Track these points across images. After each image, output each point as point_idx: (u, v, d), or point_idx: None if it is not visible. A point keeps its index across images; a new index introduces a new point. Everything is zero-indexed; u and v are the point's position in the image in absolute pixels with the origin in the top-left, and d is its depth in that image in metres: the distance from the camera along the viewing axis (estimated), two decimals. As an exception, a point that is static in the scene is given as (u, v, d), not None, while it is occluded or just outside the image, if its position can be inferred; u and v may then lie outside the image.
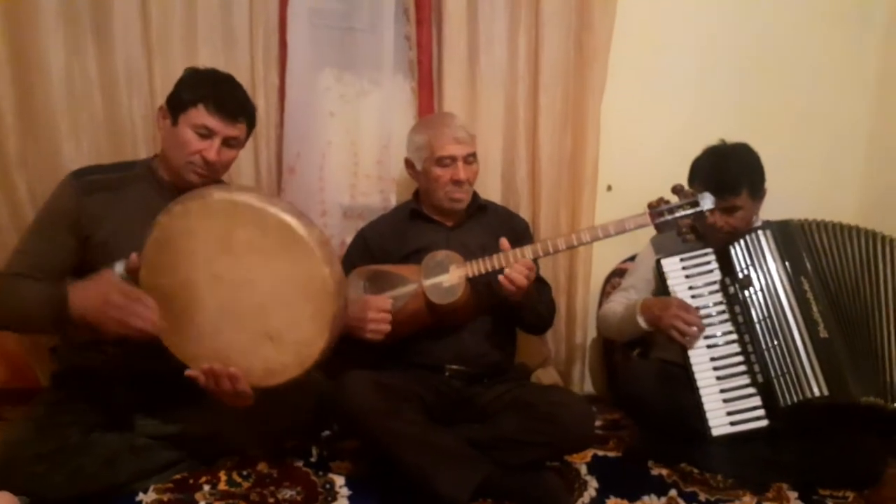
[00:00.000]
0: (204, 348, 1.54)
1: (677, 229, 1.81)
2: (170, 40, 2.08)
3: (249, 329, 1.52)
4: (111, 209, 1.69)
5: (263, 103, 2.16)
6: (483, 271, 1.85)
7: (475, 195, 2.13)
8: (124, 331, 1.48)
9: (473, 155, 2.06)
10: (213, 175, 1.74)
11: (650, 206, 1.82)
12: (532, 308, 1.98)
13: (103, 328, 1.49)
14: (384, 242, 2.06)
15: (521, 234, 2.14)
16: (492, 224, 2.11)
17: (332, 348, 1.56)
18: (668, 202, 1.81)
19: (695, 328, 1.87)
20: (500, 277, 1.80)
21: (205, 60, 2.10)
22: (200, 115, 1.67)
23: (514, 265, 1.80)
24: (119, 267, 1.51)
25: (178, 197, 1.52)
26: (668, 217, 1.79)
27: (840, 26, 2.64)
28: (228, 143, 1.73)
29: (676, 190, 1.83)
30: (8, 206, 2.03)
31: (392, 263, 1.98)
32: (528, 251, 1.83)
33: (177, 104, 1.70)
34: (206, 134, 1.68)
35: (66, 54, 2.05)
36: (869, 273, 1.88)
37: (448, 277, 1.86)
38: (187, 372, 1.54)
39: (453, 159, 2.00)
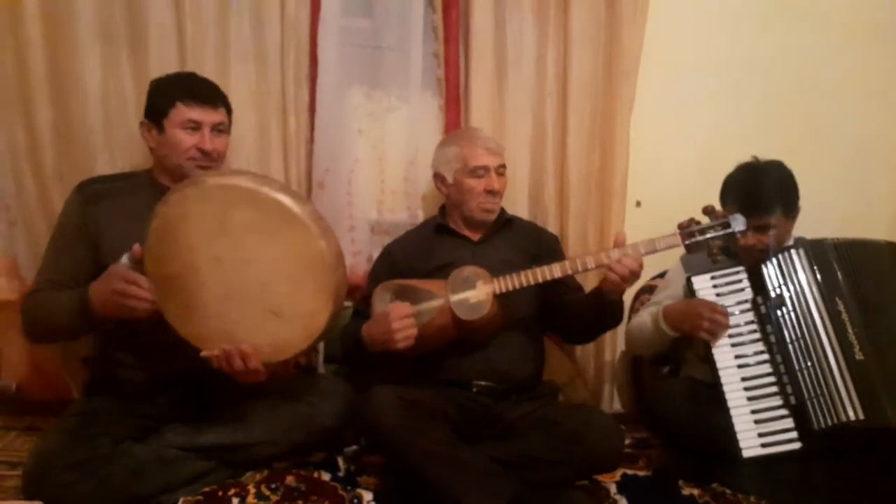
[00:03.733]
0: (211, 329, 1.59)
1: (708, 250, 1.78)
2: (203, 58, 2.12)
3: (254, 307, 1.57)
4: (116, 216, 1.74)
5: (294, 120, 2.20)
6: (510, 288, 1.84)
7: (501, 209, 2.13)
8: (126, 314, 1.55)
9: (504, 166, 2.09)
10: (215, 164, 1.80)
11: (680, 226, 1.79)
12: (619, 308, 1.97)
13: (113, 317, 1.57)
14: (410, 258, 2.07)
15: (550, 248, 2.15)
16: (518, 239, 2.12)
17: (336, 317, 1.62)
18: (698, 222, 1.79)
19: (719, 326, 1.85)
20: (609, 273, 1.77)
21: (236, 78, 2.16)
22: (182, 112, 1.75)
23: (622, 260, 1.76)
24: (124, 259, 1.57)
25: (175, 185, 1.57)
26: (699, 238, 1.77)
27: (866, 42, 2.61)
28: (217, 129, 1.80)
29: (707, 211, 1.80)
30: (45, 221, 2.07)
31: (418, 278, 1.98)
32: (556, 269, 1.83)
33: (156, 112, 1.77)
34: (195, 127, 1.76)
35: (103, 71, 2.10)
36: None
37: (475, 293, 1.86)
38: (202, 353, 1.59)
39: (486, 170, 2.03)
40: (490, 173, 2.03)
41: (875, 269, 1.88)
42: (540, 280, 1.83)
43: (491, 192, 2.03)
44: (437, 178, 2.14)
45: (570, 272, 1.83)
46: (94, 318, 1.59)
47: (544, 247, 2.13)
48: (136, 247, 1.56)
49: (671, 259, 2.16)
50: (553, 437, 1.76)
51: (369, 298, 1.99)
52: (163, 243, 1.55)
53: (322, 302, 1.57)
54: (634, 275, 1.78)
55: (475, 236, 2.10)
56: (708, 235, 1.77)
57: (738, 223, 1.75)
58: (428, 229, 2.15)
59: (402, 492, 1.76)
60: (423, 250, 2.08)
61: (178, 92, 1.76)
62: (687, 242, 1.78)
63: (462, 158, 2.05)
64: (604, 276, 1.81)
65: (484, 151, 2.04)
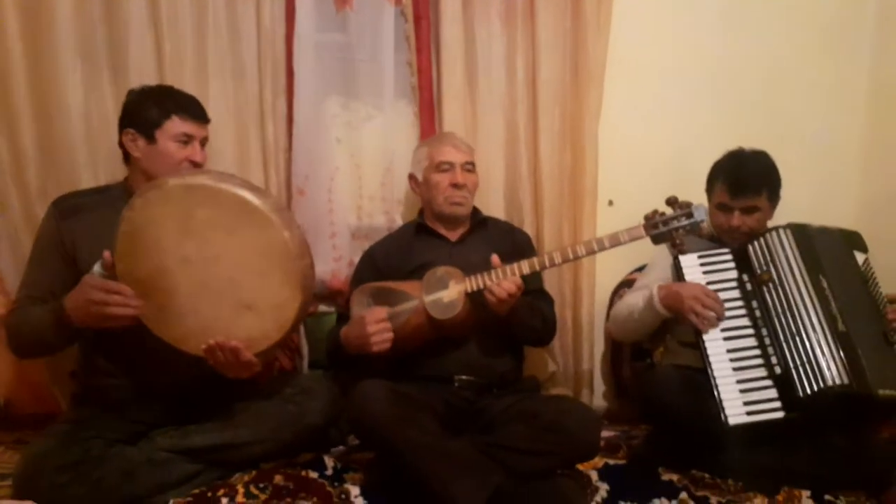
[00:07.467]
0: (187, 329, 1.64)
1: (671, 240, 1.84)
2: (182, 74, 2.17)
3: (226, 303, 1.63)
4: (92, 229, 1.76)
5: (272, 129, 2.26)
6: (480, 286, 1.88)
7: (476, 210, 2.20)
8: (110, 323, 1.59)
9: (472, 164, 2.16)
10: None
11: (646, 217, 1.85)
12: (522, 322, 2.00)
13: (94, 326, 1.60)
14: (391, 259, 2.13)
15: (523, 247, 2.19)
16: (493, 238, 2.17)
17: (307, 307, 1.69)
18: (662, 213, 1.84)
19: (713, 312, 1.89)
20: (486, 293, 1.85)
21: (215, 91, 2.21)
22: (177, 125, 1.80)
23: (499, 282, 1.83)
24: (97, 267, 1.61)
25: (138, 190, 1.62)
26: (663, 228, 1.83)
27: (832, 41, 2.71)
28: (203, 143, 1.86)
29: (671, 202, 1.86)
30: (30, 237, 2.06)
31: (399, 278, 2.03)
32: (525, 266, 1.87)
33: (147, 123, 1.80)
34: (187, 140, 1.81)
35: (84, 90, 2.14)
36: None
37: (448, 293, 1.90)
38: (202, 348, 1.62)
39: (451, 165, 2.11)
40: (455, 168, 2.11)
41: (837, 254, 1.96)
42: (509, 276, 1.86)
43: (456, 186, 2.10)
44: (412, 179, 2.22)
45: (537, 268, 1.87)
46: (72, 330, 1.63)
47: (518, 245, 2.19)
48: (107, 254, 1.59)
49: (649, 253, 2.20)
50: (532, 428, 1.78)
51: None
52: (132, 248, 1.60)
53: (290, 292, 1.63)
54: (512, 297, 1.83)
55: (453, 236, 2.16)
56: (672, 226, 1.82)
57: (700, 212, 1.81)
58: (408, 231, 2.21)
59: (390, 486, 1.78)
60: (404, 251, 2.14)
61: (172, 105, 1.80)
62: (651, 233, 1.83)
63: (430, 156, 2.15)
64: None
65: (450, 148, 2.14)
